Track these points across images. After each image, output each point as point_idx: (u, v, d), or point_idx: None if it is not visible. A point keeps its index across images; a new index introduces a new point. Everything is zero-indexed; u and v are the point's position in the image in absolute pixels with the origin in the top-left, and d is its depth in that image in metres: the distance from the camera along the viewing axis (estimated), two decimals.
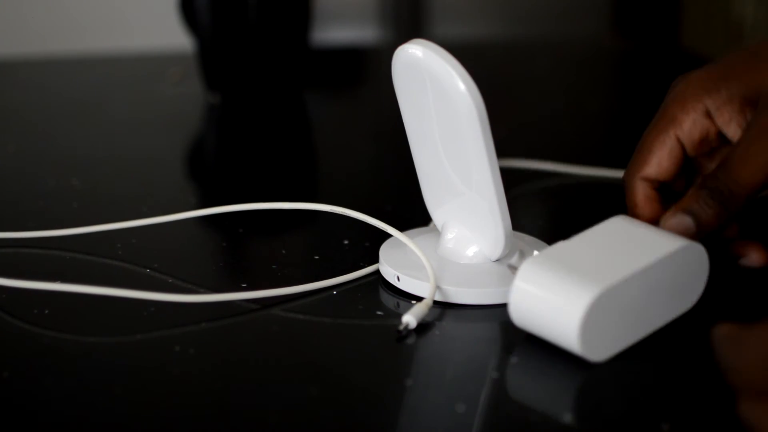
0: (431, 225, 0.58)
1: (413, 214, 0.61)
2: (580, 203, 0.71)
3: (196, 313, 0.51)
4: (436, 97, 0.50)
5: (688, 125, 0.53)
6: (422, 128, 0.53)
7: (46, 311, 0.52)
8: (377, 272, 0.56)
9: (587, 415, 0.43)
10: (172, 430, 0.42)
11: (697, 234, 0.50)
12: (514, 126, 0.91)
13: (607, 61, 1.31)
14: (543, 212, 0.67)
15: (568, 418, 0.42)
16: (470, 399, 0.44)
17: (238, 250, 0.64)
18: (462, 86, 0.48)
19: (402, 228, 0.57)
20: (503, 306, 0.52)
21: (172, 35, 1.17)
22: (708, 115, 0.53)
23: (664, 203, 0.54)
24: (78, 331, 0.50)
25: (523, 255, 0.55)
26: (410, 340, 0.49)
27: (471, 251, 0.54)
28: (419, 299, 0.52)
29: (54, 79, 1.12)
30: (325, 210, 0.59)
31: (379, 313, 0.52)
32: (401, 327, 0.49)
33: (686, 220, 0.50)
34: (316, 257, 0.60)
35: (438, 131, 0.51)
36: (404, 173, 0.52)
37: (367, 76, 1.21)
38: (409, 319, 0.49)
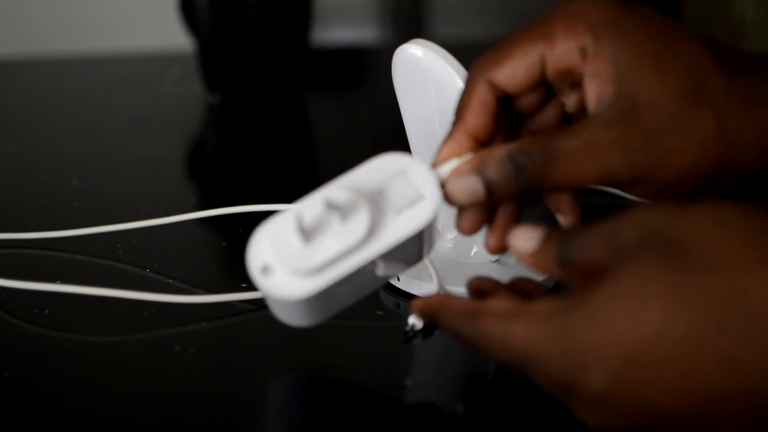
0: None
1: None
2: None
3: (196, 313, 0.51)
4: (437, 97, 0.50)
5: (559, 51, 0.42)
6: (422, 128, 0.53)
7: (46, 311, 0.52)
8: None
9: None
10: (172, 430, 0.42)
11: (481, 201, 0.42)
12: None
13: None
14: (543, 212, 0.67)
15: (567, 418, 0.42)
16: (470, 399, 0.44)
17: (238, 250, 0.64)
18: (462, 86, 0.48)
19: None
20: None
21: (172, 35, 1.17)
22: (583, 52, 0.42)
23: (499, 119, 0.44)
24: (78, 331, 0.50)
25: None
26: (415, 340, 0.49)
27: (471, 251, 0.54)
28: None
29: (54, 79, 1.12)
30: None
31: (379, 313, 0.52)
32: (407, 328, 0.48)
33: (477, 186, 0.41)
34: None
35: (438, 131, 0.51)
36: None
37: (367, 76, 1.21)
38: (415, 320, 0.49)
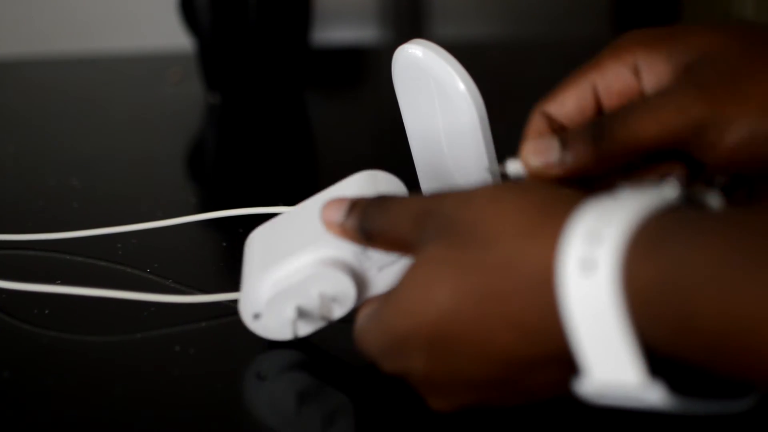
0: None
1: None
2: None
3: (196, 313, 0.51)
4: (436, 97, 0.50)
5: (610, 75, 0.46)
6: (422, 128, 0.53)
7: (46, 311, 0.52)
8: None
9: (587, 415, 0.43)
10: (172, 430, 0.42)
11: (558, 165, 0.44)
12: (514, 126, 0.91)
13: None
14: None
15: (567, 418, 0.42)
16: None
17: (239, 250, 0.64)
18: (462, 86, 0.48)
19: None
20: None
21: (172, 35, 1.17)
22: (636, 71, 0.46)
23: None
24: (78, 331, 0.50)
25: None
26: None
27: None
28: None
29: (54, 79, 1.12)
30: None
31: None
32: None
33: (553, 143, 0.44)
34: None
35: (438, 131, 0.51)
36: (404, 173, 0.52)
37: (367, 76, 1.21)
38: None
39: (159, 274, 0.56)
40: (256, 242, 0.50)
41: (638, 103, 0.43)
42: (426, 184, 0.56)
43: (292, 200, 0.60)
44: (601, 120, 0.44)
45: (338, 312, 0.46)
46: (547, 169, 0.44)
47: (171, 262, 0.58)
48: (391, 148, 0.88)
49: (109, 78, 1.12)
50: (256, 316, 0.46)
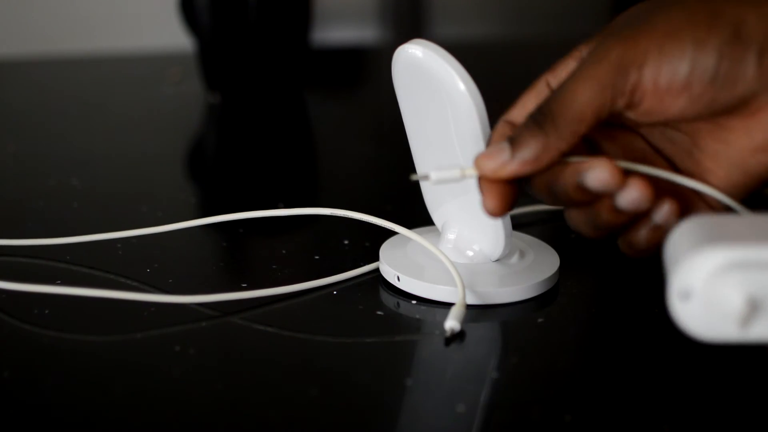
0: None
1: (413, 214, 0.61)
2: None
3: (196, 313, 0.51)
4: (436, 97, 0.50)
5: (560, 70, 0.48)
6: (422, 128, 0.53)
7: (46, 311, 0.52)
8: (377, 271, 0.56)
9: (587, 415, 0.43)
10: (172, 430, 0.42)
11: (510, 163, 0.44)
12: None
13: None
14: (542, 212, 0.67)
15: (568, 418, 0.42)
16: (470, 399, 0.44)
17: (239, 250, 0.64)
18: (462, 86, 0.48)
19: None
20: (503, 306, 0.52)
21: (172, 35, 1.17)
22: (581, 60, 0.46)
23: None
24: (78, 331, 0.50)
25: (523, 255, 0.55)
26: (414, 338, 0.49)
27: (471, 251, 0.54)
28: (419, 299, 0.52)
29: (54, 79, 1.12)
30: (326, 213, 0.58)
31: (379, 313, 0.52)
32: (447, 334, 0.48)
33: (503, 145, 0.44)
34: (316, 257, 0.60)
35: (438, 131, 0.51)
36: (404, 173, 0.52)
37: (367, 76, 1.21)
38: (452, 323, 0.48)
39: (159, 274, 0.56)
40: (689, 229, 0.39)
41: (568, 76, 0.45)
42: (426, 183, 0.56)
43: (292, 200, 0.60)
44: (539, 105, 0.45)
45: None
46: (501, 170, 0.44)
47: (171, 262, 0.58)
48: (391, 148, 0.88)
49: (109, 78, 1.12)
50: (685, 296, 0.37)
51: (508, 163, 0.44)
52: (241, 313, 0.52)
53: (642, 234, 0.44)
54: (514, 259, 0.54)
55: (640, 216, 0.44)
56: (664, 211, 0.43)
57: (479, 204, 0.46)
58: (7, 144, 0.86)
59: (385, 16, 1.83)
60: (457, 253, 0.54)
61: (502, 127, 0.48)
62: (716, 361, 0.46)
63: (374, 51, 1.39)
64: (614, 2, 1.97)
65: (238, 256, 0.64)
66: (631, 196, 0.42)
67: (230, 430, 0.42)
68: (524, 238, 0.58)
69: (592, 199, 0.43)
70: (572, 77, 0.44)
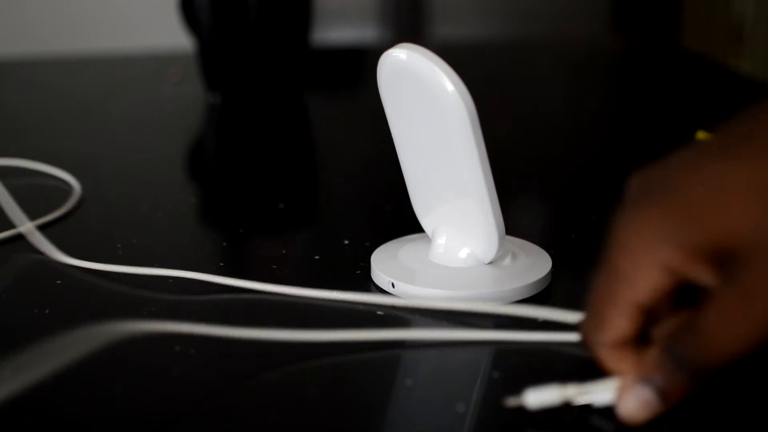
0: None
1: (413, 214, 0.61)
2: (575, 204, 0.71)
3: (196, 313, 0.51)
4: (425, 100, 0.49)
5: (643, 284, 0.41)
6: (411, 134, 0.52)
7: (47, 311, 0.52)
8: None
9: (587, 415, 0.43)
10: (172, 430, 0.42)
11: (660, 410, 0.41)
12: (514, 126, 0.91)
13: (607, 61, 1.31)
14: (534, 213, 0.67)
15: (568, 418, 0.42)
16: (470, 399, 0.44)
17: (239, 250, 0.64)
18: (450, 87, 0.47)
19: (399, 229, 0.57)
20: (503, 306, 0.52)
21: (172, 35, 1.17)
22: (667, 270, 0.40)
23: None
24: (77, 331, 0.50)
25: (515, 257, 0.55)
26: (414, 338, 0.49)
27: (463, 254, 0.54)
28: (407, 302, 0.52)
29: (54, 79, 1.12)
30: None
31: (379, 313, 0.52)
32: (515, 403, 0.42)
33: (647, 395, 0.41)
34: (316, 257, 0.60)
35: (427, 136, 0.51)
36: (403, 174, 0.52)
37: (367, 76, 1.21)
38: (528, 400, 0.42)
39: (159, 274, 0.56)
40: None
41: (709, 319, 0.39)
42: (415, 190, 0.56)
43: (292, 200, 0.60)
44: (681, 350, 0.40)
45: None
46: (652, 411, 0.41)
47: (172, 262, 0.58)
48: (391, 148, 0.88)
49: (109, 78, 1.13)
50: None
51: (657, 410, 0.41)
52: (241, 313, 0.52)
53: None
54: (507, 261, 0.54)
55: None
56: None
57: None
58: (8, 144, 0.86)
59: (385, 16, 1.83)
60: (449, 258, 0.54)
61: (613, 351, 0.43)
62: None
63: (374, 51, 1.39)
64: (614, 2, 1.97)
65: (238, 255, 0.64)
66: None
67: (230, 430, 0.42)
68: (515, 241, 0.57)
69: None
70: (717, 316, 0.39)
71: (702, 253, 0.39)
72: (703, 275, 0.39)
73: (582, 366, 0.47)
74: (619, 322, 0.41)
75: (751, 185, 0.37)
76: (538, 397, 0.41)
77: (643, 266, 0.40)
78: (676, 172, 0.40)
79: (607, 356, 0.43)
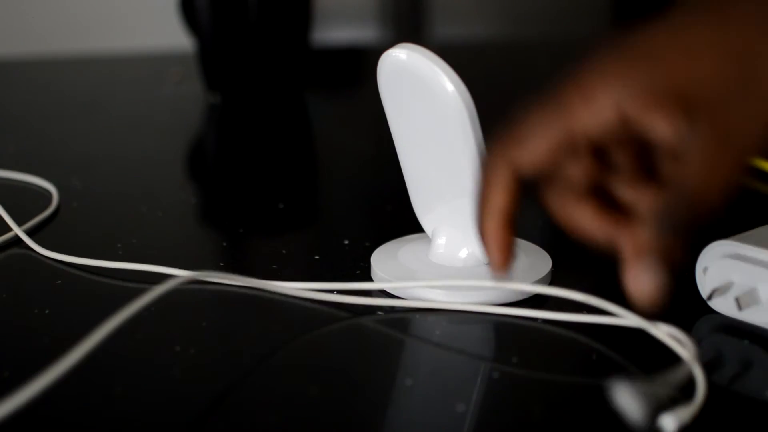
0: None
1: (413, 214, 0.61)
2: None
3: (196, 312, 0.51)
4: (425, 100, 0.49)
5: (585, 116, 0.39)
6: (411, 134, 0.52)
7: (46, 311, 0.52)
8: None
9: (588, 415, 0.43)
10: (172, 430, 0.42)
11: (668, 281, 0.39)
12: None
13: None
14: (534, 213, 0.67)
15: (568, 419, 0.42)
16: (470, 399, 0.44)
17: (239, 250, 0.64)
18: (450, 86, 0.48)
19: (399, 229, 0.57)
20: (501, 306, 0.52)
21: (172, 35, 1.17)
22: (619, 112, 0.39)
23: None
24: (78, 331, 0.50)
25: (515, 257, 0.55)
26: (414, 338, 0.49)
27: (463, 254, 0.54)
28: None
29: (54, 79, 1.12)
30: None
31: (379, 312, 0.52)
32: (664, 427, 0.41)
33: (655, 272, 0.39)
34: (316, 257, 0.60)
35: (427, 135, 0.51)
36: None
37: (367, 76, 1.21)
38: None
39: (159, 274, 0.56)
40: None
41: (694, 162, 0.38)
42: (415, 190, 0.56)
43: (292, 200, 0.60)
44: (669, 203, 0.39)
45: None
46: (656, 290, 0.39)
47: (172, 262, 0.58)
48: (391, 148, 0.88)
49: (109, 78, 1.13)
50: (705, 269, 0.49)
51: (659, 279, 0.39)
52: (241, 313, 0.52)
53: None
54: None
55: None
56: None
57: None
58: (8, 144, 0.86)
59: (385, 16, 1.83)
60: (449, 258, 0.54)
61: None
62: (715, 361, 0.46)
63: (374, 51, 1.39)
64: (614, 2, 1.97)
65: (239, 255, 0.64)
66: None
67: (230, 430, 0.42)
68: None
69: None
70: (703, 157, 0.38)
71: (664, 100, 0.38)
72: (658, 124, 0.38)
73: (587, 361, 0.47)
74: (540, 144, 0.40)
75: (720, 45, 0.38)
76: (670, 421, 0.40)
77: (592, 102, 0.39)
78: (645, 35, 0.40)
79: (564, 203, 0.43)
